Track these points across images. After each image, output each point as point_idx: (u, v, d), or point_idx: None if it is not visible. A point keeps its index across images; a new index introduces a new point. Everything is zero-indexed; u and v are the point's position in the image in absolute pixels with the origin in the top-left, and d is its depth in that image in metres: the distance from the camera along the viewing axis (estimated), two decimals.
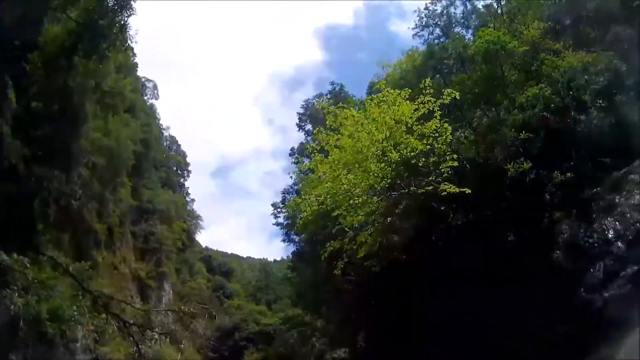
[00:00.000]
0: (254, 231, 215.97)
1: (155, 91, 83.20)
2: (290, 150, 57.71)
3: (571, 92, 22.01)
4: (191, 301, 49.36)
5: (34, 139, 26.92)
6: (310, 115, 55.32)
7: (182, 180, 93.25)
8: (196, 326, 28.69)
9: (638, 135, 18.87)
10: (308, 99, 58.43)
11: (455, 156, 22.56)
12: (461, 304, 20.62)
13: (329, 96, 52.61)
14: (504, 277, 19.33)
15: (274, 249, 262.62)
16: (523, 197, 21.02)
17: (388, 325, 28.89)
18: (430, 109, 22.33)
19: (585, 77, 21.88)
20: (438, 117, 22.45)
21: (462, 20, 43.24)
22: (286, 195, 51.20)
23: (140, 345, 27.48)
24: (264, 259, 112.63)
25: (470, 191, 21.29)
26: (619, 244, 16.93)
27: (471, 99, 26.26)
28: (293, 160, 55.44)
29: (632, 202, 17.53)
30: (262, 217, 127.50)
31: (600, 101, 20.87)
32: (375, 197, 24.63)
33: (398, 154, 22.47)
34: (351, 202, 23.87)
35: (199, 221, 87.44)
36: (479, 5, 42.88)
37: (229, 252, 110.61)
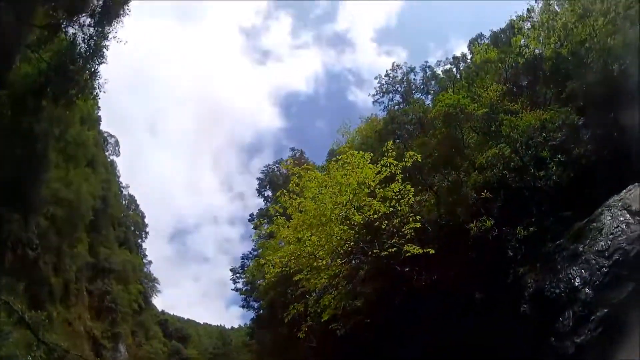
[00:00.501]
0: (210, 297, 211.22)
1: (117, 147, 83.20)
2: (250, 216, 58.70)
3: (530, 151, 22.74)
4: None
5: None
6: (270, 181, 56.64)
7: (139, 240, 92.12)
8: None
9: (597, 185, 19.39)
10: (268, 164, 59.93)
11: (418, 217, 22.87)
12: None
13: (288, 162, 54.13)
14: (472, 334, 19.53)
15: (231, 315, 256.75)
16: (487, 255, 21.34)
17: None
18: (393, 171, 22.88)
19: (544, 134, 22.70)
20: (400, 180, 23.00)
21: (422, 86, 45.52)
22: (245, 260, 51.86)
23: None
24: (221, 325, 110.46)
25: (433, 251, 21.54)
26: (587, 290, 16.84)
27: (431, 162, 26.61)
28: (252, 225, 56.50)
29: (596, 248, 17.44)
30: (219, 283, 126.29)
31: (559, 156, 21.51)
32: (338, 260, 24.39)
33: (361, 216, 22.82)
34: (314, 264, 23.84)
35: (155, 284, 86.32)
36: (439, 71, 45.18)
37: (186, 317, 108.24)
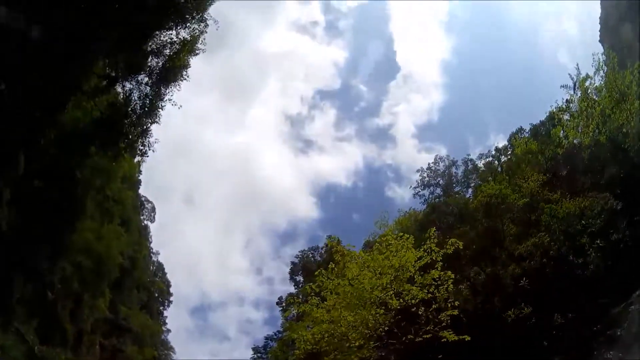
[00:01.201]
0: None
1: (153, 213, 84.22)
2: (278, 299, 58.23)
3: (568, 239, 22.68)
4: None
5: (29, 215, 26.90)
6: (304, 267, 56.38)
7: (161, 308, 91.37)
8: None
9: (633, 271, 19.19)
10: (303, 249, 59.87)
11: (456, 302, 22.46)
12: None
13: (324, 250, 53.67)
14: None
15: None
16: (522, 343, 20.96)
17: None
18: (434, 258, 22.68)
19: (582, 221, 22.59)
20: (439, 268, 22.66)
21: (463, 180, 45.69)
22: (269, 341, 50.92)
23: None
24: None
25: (469, 338, 20.93)
26: None
27: (469, 254, 26.40)
28: (279, 308, 55.95)
29: (634, 330, 17.24)
30: None
31: (598, 241, 21.38)
32: (371, 343, 23.80)
33: (399, 301, 22.48)
34: (347, 345, 23.33)
35: (171, 352, 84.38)
36: (480, 163, 45.50)
37: None
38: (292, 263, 57.14)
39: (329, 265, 24.75)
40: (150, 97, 29.16)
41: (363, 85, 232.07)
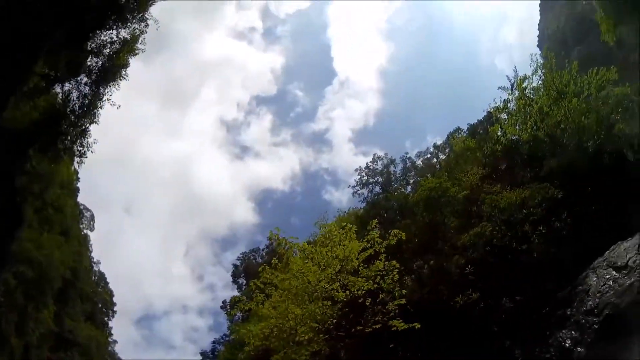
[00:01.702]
0: None
1: (92, 222, 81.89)
2: (222, 302, 57.73)
3: (511, 228, 23.17)
4: None
5: None
6: (246, 270, 56.18)
7: (106, 319, 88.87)
8: None
9: (577, 257, 19.60)
10: (244, 252, 59.63)
11: (404, 291, 22.37)
12: None
13: (264, 251, 53.42)
14: None
15: None
16: (472, 329, 21.12)
17: None
18: (377, 250, 22.75)
19: (524, 210, 23.09)
20: (383, 259, 22.70)
21: (402, 177, 46.25)
22: (216, 345, 50.30)
23: None
24: None
25: (419, 325, 20.87)
26: (579, 349, 16.54)
27: (412, 247, 26.63)
28: (225, 312, 55.45)
29: (584, 308, 17.31)
30: None
31: (541, 228, 21.96)
32: (321, 336, 23.53)
33: (345, 293, 22.47)
34: (297, 339, 22.92)
35: None
36: (418, 161, 46.51)
37: None
38: (234, 266, 57.14)
39: (272, 260, 24.59)
40: (89, 97, 28.52)
41: (299, 90, 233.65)
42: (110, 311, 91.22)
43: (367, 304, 22.69)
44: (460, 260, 23.56)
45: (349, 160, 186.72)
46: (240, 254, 59.78)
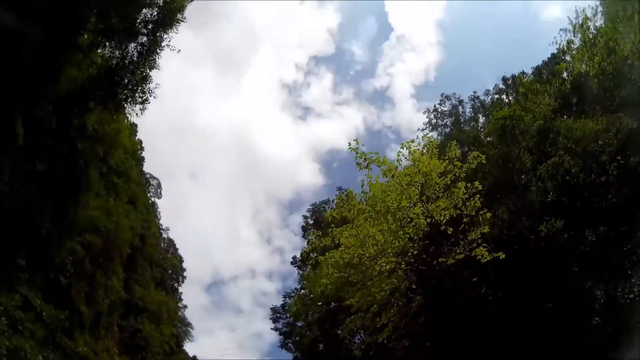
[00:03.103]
0: (244, 349, 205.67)
1: (159, 190, 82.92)
2: (292, 258, 56.43)
3: (587, 160, 21.97)
4: None
5: (31, 191, 25.23)
6: (316, 221, 54.40)
7: (176, 284, 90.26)
8: None
9: None
10: (315, 203, 57.70)
11: (488, 215, 21.17)
12: None
13: (335, 202, 51.16)
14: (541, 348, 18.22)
15: None
16: (552, 266, 20.17)
17: None
18: (457, 174, 21.50)
19: (599, 142, 21.84)
20: (462, 186, 21.46)
21: (471, 117, 44.01)
22: (287, 299, 48.72)
23: None
24: None
25: (504, 255, 19.95)
26: None
27: (487, 186, 24.97)
28: (296, 267, 54.01)
29: None
30: (254, 335, 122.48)
31: (619, 158, 20.84)
32: (403, 264, 22.83)
33: (427, 221, 21.50)
34: (377, 269, 22.36)
35: (189, 328, 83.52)
36: (487, 99, 43.79)
37: None
38: (304, 217, 54.78)
39: (348, 191, 24.38)
40: (147, 44, 27.83)
41: (357, 48, 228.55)
42: (180, 277, 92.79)
43: (449, 232, 21.55)
44: (541, 188, 22.34)
45: (412, 116, 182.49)
46: (310, 205, 57.74)
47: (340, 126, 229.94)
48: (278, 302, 49.87)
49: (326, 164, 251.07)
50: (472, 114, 44.05)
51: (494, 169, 25.36)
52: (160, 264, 79.36)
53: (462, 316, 22.39)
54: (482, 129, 35.96)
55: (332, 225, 23.74)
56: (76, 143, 27.24)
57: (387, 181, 22.12)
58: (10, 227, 23.36)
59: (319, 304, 35.29)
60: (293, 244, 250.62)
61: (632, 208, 19.18)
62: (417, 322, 24.99)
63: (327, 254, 24.69)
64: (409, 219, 21.78)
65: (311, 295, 37.53)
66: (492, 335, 20.65)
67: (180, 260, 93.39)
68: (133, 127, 62.85)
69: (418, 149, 22.66)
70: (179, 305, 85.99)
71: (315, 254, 48.53)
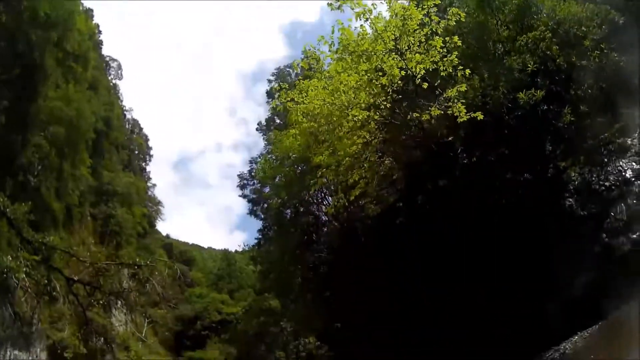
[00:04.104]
0: (214, 222, 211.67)
1: (120, 71, 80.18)
2: (257, 124, 55.19)
3: (568, 44, 20.54)
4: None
5: None
6: (281, 85, 52.31)
7: (143, 164, 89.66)
8: (153, 287, 23.88)
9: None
10: (279, 67, 55.53)
11: (467, 72, 19.65)
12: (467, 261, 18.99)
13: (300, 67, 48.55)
14: (510, 229, 17.77)
15: (235, 240, 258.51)
16: (523, 144, 19.55)
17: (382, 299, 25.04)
18: (434, 29, 19.80)
19: (583, 27, 20.33)
20: (440, 39, 19.66)
21: None
22: (253, 164, 47.31)
23: (86, 311, 23.66)
24: (225, 249, 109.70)
25: (482, 116, 18.78)
26: None
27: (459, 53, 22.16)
28: (261, 133, 52.96)
29: None
30: (223, 208, 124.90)
31: (602, 46, 19.48)
32: (375, 116, 21.35)
33: (400, 73, 19.76)
34: (349, 120, 20.98)
35: (160, 207, 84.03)
36: None
37: (190, 242, 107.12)
38: (268, 81, 52.89)
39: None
40: None
41: None
42: (147, 156, 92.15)
43: (424, 87, 20.09)
44: (517, 62, 20.62)
45: None
46: (275, 69, 55.46)
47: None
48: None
49: (289, 36, 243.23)
50: None
51: (469, 36, 23.26)
52: (126, 146, 78.29)
53: (435, 175, 22.21)
54: None
55: (300, 78, 22.46)
56: (27, 32, 24.92)
57: (361, 26, 20.03)
58: None
59: (286, 166, 34.47)
60: (257, 114, 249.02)
61: (610, 99, 18.55)
62: (389, 180, 24.89)
63: (293, 104, 23.36)
64: (382, 72, 20.23)
65: (277, 158, 36.63)
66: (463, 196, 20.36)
67: (146, 139, 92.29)
68: (89, 12, 59.22)
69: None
70: (148, 184, 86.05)
71: (280, 120, 47.76)
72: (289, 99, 23.24)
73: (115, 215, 56.43)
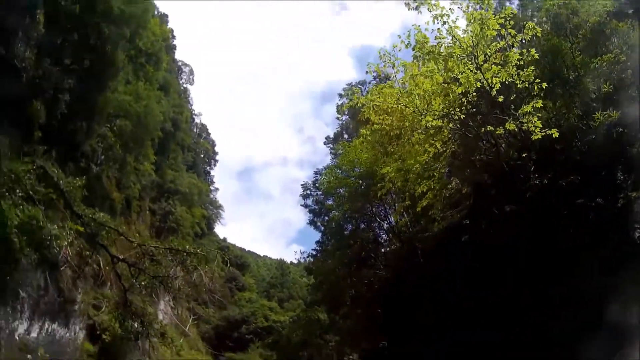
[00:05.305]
0: (273, 234, 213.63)
1: (191, 76, 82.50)
2: (326, 138, 55.53)
3: None
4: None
5: (57, 81, 24.21)
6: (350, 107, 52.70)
7: (207, 168, 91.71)
8: (200, 279, 23.67)
9: None
10: (350, 83, 55.74)
11: (544, 85, 19.14)
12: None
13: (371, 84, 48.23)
14: (578, 256, 17.24)
15: (291, 253, 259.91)
16: (599, 166, 18.84)
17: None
18: (510, 43, 19.34)
19: None
20: (517, 51, 19.28)
21: None
22: (318, 175, 47.40)
23: (127, 292, 23.37)
24: (281, 259, 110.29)
25: (557, 134, 18.25)
26: None
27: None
28: (329, 147, 53.33)
29: None
30: (283, 222, 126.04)
31: None
32: (450, 125, 21.00)
33: (475, 83, 19.32)
34: (423, 123, 20.51)
35: (220, 211, 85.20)
36: None
37: (247, 249, 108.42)
38: (339, 95, 53.20)
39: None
40: None
41: None
42: (212, 160, 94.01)
43: (500, 100, 19.53)
44: (592, 85, 20.26)
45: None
46: (346, 84, 55.31)
47: (377, 23, 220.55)
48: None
49: (360, 59, 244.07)
50: None
51: (542, 59, 22.32)
52: (192, 148, 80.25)
53: (503, 200, 21.42)
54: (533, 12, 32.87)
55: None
56: (101, 27, 26.02)
57: (438, 29, 19.33)
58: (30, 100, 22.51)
59: (351, 178, 34.40)
60: (324, 132, 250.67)
61: None
62: (455, 199, 24.46)
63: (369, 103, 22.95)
64: (457, 83, 19.82)
65: (343, 169, 36.61)
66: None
67: (213, 144, 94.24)
68: (164, 17, 61.73)
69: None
70: (211, 188, 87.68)
71: (347, 136, 47.75)
72: (362, 99, 22.93)
73: (174, 212, 57.81)
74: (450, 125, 20.94)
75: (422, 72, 20.58)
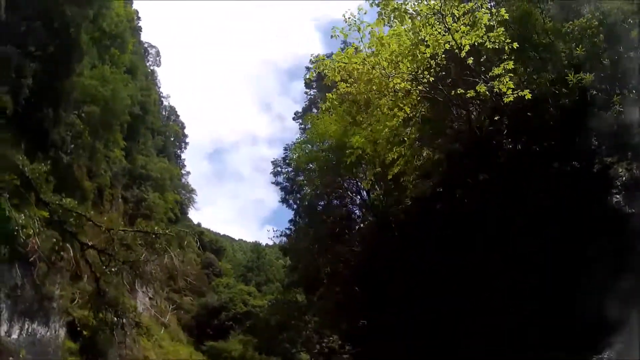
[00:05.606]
0: (246, 215, 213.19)
1: (158, 58, 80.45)
2: (294, 114, 54.78)
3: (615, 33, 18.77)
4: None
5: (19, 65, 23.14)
6: (319, 75, 51.51)
7: (178, 151, 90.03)
8: (171, 259, 22.89)
9: None
10: (318, 54, 54.61)
11: (515, 45, 18.26)
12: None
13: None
14: (553, 224, 17.06)
15: (266, 234, 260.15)
16: (574, 131, 18.45)
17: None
18: (479, 5, 18.58)
19: (630, 19, 18.53)
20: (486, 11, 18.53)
21: None
22: (287, 152, 46.23)
23: (100, 279, 22.69)
24: (256, 241, 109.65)
25: (530, 95, 17.65)
26: None
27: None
28: (298, 123, 52.34)
29: None
30: (255, 202, 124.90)
31: None
32: (419, 88, 20.11)
33: (443, 44, 18.52)
34: (391, 85, 19.58)
35: (192, 195, 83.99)
36: None
37: (221, 233, 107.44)
38: (307, 68, 51.91)
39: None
40: None
41: None
42: (182, 143, 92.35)
43: (470, 62, 18.79)
44: (564, 48, 19.47)
45: None
46: (313, 56, 54.56)
47: None
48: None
49: (327, 33, 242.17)
50: None
51: (513, 24, 21.29)
52: (162, 132, 78.61)
53: (476, 168, 21.11)
54: None
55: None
56: (64, 9, 24.61)
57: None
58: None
59: (321, 151, 33.50)
60: (293, 110, 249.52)
61: None
62: (427, 169, 23.81)
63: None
64: (425, 45, 19.03)
65: (312, 143, 35.76)
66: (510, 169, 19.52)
67: (182, 126, 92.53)
68: None
69: None
70: (182, 172, 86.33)
71: (316, 110, 46.83)
72: (327, 61, 21.42)
73: (147, 199, 56.71)
74: (420, 87, 20.13)
75: (389, 34, 19.75)
